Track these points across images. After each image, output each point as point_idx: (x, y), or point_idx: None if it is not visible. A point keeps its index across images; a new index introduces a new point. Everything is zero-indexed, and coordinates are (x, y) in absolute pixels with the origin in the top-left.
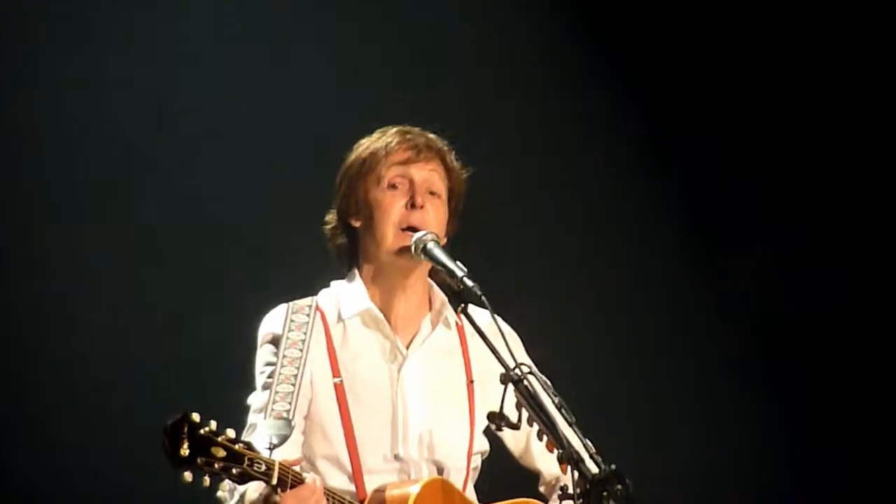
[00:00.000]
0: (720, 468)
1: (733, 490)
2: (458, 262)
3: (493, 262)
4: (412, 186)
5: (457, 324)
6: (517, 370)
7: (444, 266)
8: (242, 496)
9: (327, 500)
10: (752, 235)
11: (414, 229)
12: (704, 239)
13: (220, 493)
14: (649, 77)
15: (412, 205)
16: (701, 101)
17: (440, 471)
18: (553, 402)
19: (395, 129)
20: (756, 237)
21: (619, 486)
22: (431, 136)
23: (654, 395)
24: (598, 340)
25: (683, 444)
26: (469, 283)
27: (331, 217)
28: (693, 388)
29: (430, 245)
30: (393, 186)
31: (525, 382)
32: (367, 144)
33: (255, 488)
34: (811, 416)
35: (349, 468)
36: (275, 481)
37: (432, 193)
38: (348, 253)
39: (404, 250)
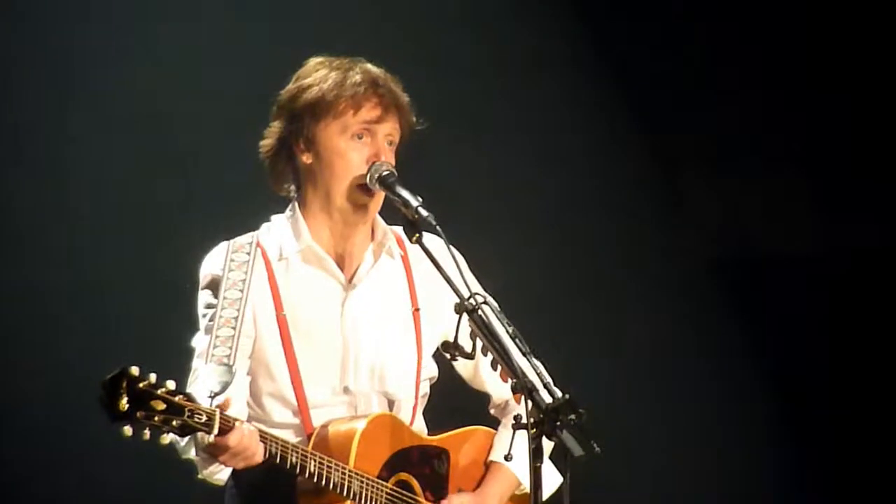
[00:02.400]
0: (678, 401)
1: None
2: (413, 192)
3: (446, 196)
4: (375, 140)
5: (400, 254)
6: (472, 300)
7: (399, 196)
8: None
9: (270, 444)
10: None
11: (368, 189)
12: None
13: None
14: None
15: (375, 162)
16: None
17: (389, 400)
18: (507, 331)
19: (359, 75)
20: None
21: (573, 415)
22: (395, 88)
23: (612, 328)
24: (554, 271)
25: (640, 380)
26: (424, 212)
27: (269, 140)
28: (650, 322)
29: (386, 174)
30: (358, 137)
31: (479, 312)
32: (324, 78)
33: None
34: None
35: (294, 403)
36: (216, 431)
37: (390, 144)
38: (285, 178)
39: (359, 206)
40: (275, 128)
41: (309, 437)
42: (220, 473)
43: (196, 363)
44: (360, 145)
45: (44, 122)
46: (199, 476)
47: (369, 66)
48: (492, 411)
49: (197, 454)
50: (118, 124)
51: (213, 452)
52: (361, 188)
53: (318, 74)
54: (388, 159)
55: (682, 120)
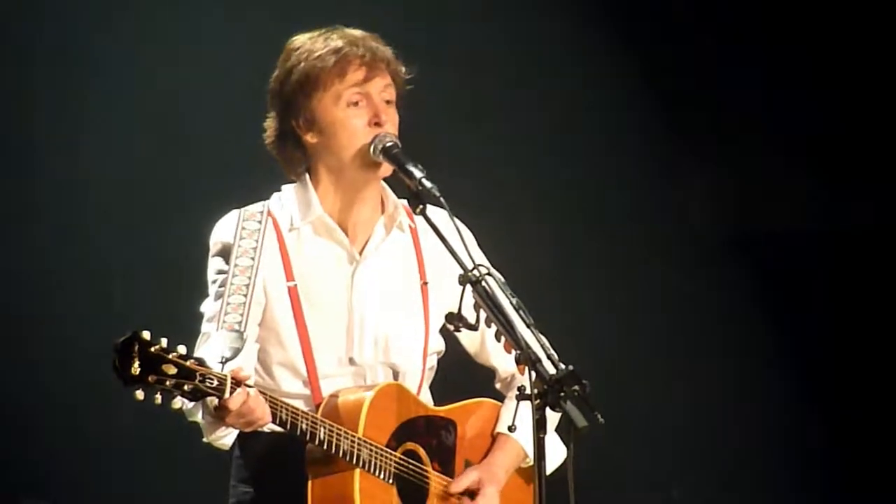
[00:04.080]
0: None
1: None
2: (416, 164)
3: (453, 169)
4: (371, 102)
5: (410, 226)
6: (475, 271)
7: (402, 167)
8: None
9: (280, 410)
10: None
11: None
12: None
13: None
14: None
15: (377, 123)
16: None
17: (395, 373)
18: (511, 303)
19: (338, 40)
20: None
21: (576, 387)
22: (376, 45)
23: (622, 305)
24: (564, 250)
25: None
26: (427, 184)
27: (271, 126)
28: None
29: (389, 146)
30: (353, 104)
31: (483, 283)
32: (307, 53)
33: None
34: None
35: (304, 372)
36: (227, 395)
37: (388, 102)
38: (296, 162)
39: (371, 165)
40: (272, 117)
41: (318, 406)
42: (225, 438)
43: (206, 328)
44: (358, 111)
45: (46, 105)
46: (205, 440)
47: (347, 30)
48: (497, 386)
49: (203, 417)
50: (121, 106)
51: (220, 415)
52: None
53: (298, 53)
54: (389, 118)
55: (694, 100)
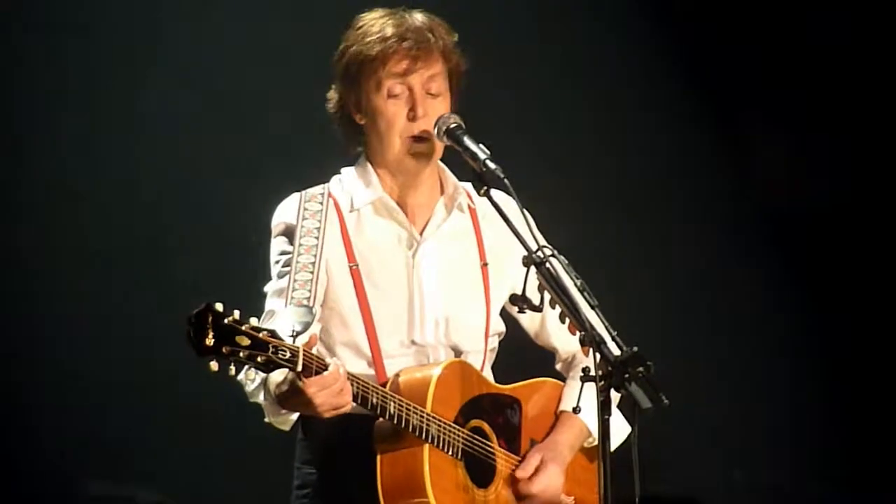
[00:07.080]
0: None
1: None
2: (480, 145)
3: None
4: (412, 95)
5: (469, 207)
6: (540, 252)
7: (467, 148)
8: (265, 381)
9: (351, 385)
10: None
11: (419, 138)
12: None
13: (240, 377)
14: None
15: (414, 116)
16: None
17: (457, 354)
18: (575, 284)
19: (391, 28)
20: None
21: (641, 368)
22: (432, 34)
23: (672, 282)
24: (615, 227)
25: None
26: (492, 165)
27: (331, 104)
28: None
29: (453, 127)
30: (393, 95)
31: (547, 265)
32: (361, 36)
33: (278, 373)
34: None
35: (368, 353)
36: (300, 368)
37: (432, 95)
38: (353, 136)
39: (414, 155)
40: (333, 91)
41: (383, 384)
42: (287, 416)
43: (271, 305)
44: (397, 102)
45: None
46: (267, 420)
47: (408, 16)
48: (558, 367)
49: (265, 398)
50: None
51: (300, 399)
52: (413, 139)
53: (355, 34)
54: (429, 111)
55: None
